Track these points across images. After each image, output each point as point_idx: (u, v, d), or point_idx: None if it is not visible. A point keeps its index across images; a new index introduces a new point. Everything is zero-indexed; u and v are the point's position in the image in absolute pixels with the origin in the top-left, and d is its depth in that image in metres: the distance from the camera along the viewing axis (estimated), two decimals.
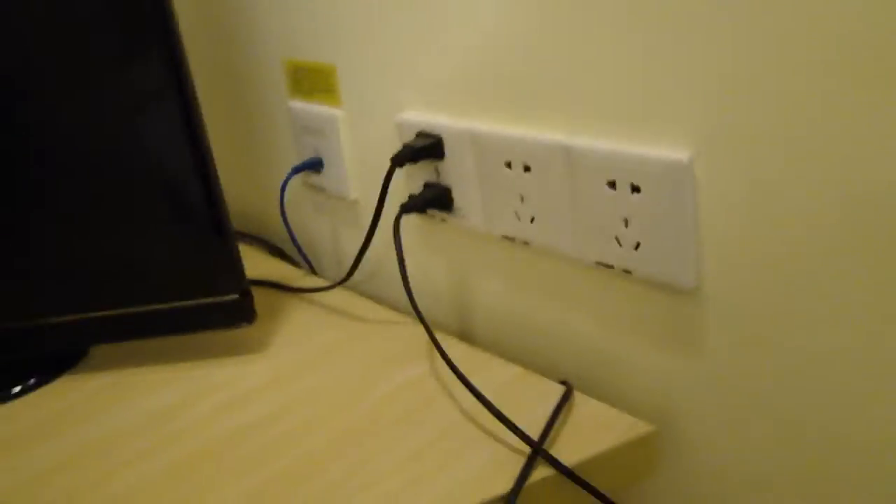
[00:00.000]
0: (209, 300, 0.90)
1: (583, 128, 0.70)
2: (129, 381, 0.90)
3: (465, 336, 0.94)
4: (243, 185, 1.26)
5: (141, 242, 0.87)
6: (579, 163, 0.71)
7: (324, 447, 0.72)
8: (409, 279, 0.99)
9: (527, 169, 0.77)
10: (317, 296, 1.03)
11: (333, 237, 1.09)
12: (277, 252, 1.20)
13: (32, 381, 0.93)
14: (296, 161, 1.07)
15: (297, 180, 1.08)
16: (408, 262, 0.97)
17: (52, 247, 0.88)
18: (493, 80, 0.77)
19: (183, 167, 0.84)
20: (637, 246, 0.68)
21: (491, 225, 0.84)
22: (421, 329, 0.91)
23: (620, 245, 0.70)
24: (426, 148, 0.84)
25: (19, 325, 0.91)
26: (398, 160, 0.83)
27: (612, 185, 0.68)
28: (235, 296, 0.90)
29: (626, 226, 0.68)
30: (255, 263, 1.15)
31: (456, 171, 0.84)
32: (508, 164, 0.78)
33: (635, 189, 0.66)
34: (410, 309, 0.98)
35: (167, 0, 0.80)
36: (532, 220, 0.79)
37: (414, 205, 0.85)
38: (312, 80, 0.99)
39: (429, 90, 0.84)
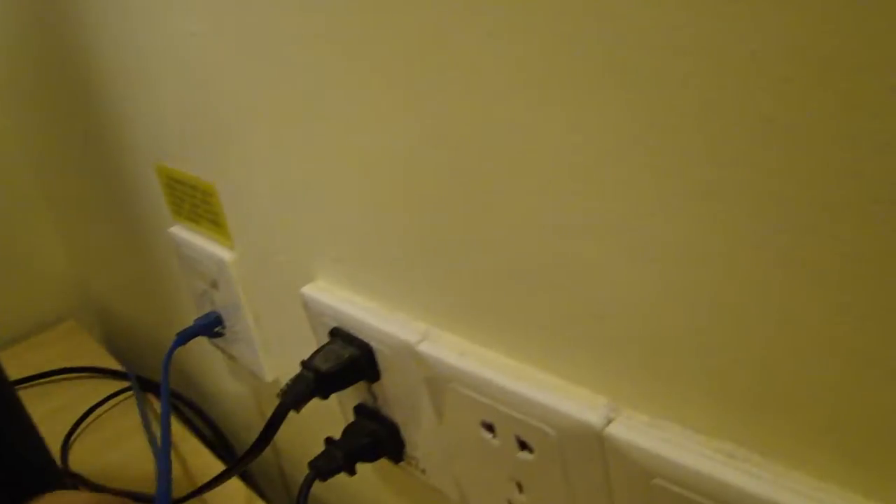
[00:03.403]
0: None
1: (642, 402, 0.33)
2: None
3: None
4: (153, 322, 0.89)
5: None
6: (626, 466, 0.33)
7: None
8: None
9: (525, 447, 0.38)
10: None
11: (259, 415, 0.72)
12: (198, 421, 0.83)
13: None
14: (196, 309, 0.69)
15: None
16: (355, 488, 0.59)
17: None
18: (477, 275, 0.39)
19: None
20: None
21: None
22: None
23: None
24: (344, 368, 0.45)
25: None
26: (291, 399, 0.45)
27: None
28: None
29: None
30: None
31: (402, 403, 0.46)
32: (489, 428, 0.40)
33: None
34: None
35: None
36: None
37: (330, 464, 0.47)
38: (192, 200, 0.61)
39: (352, 260, 0.46)
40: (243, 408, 0.76)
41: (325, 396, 0.46)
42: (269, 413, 0.70)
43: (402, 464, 0.50)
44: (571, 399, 0.36)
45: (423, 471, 0.49)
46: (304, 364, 0.46)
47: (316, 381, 0.45)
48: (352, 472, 0.48)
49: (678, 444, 0.33)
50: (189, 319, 0.75)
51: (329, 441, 0.49)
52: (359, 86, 0.39)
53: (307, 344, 0.56)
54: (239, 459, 0.49)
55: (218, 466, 0.73)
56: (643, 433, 0.34)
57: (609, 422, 0.35)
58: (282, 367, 0.63)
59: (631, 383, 0.35)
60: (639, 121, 0.28)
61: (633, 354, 0.34)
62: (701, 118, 0.26)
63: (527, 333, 0.38)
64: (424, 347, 0.42)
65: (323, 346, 0.47)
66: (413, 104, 0.37)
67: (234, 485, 0.70)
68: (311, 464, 0.47)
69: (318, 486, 0.56)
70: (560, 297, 0.35)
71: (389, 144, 0.40)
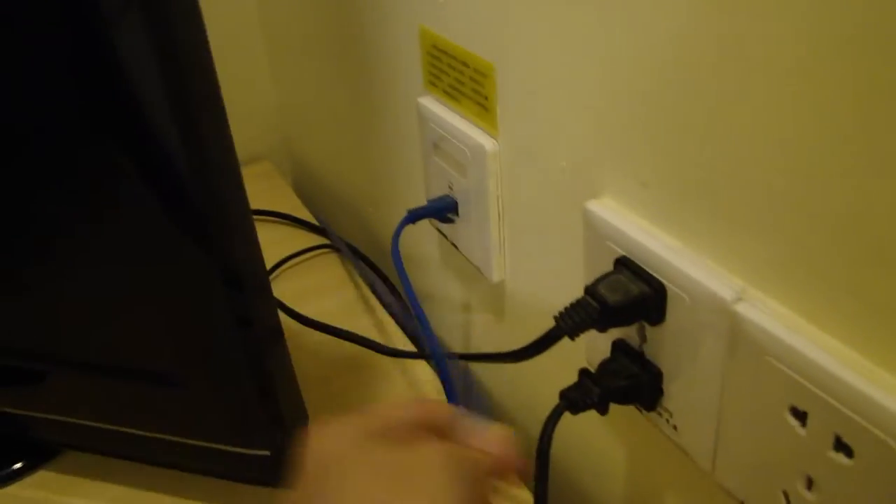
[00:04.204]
0: (228, 448, 0.54)
1: None
2: None
3: None
4: (361, 186, 0.87)
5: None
6: None
7: None
8: (569, 444, 0.59)
9: (843, 448, 0.34)
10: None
11: (464, 309, 0.69)
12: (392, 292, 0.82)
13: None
14: (425, 188, 0.66)
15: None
16: (573, 424, 0.57)
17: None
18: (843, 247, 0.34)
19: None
20: None
21: (723, 477, 0.42)
22: None
23: None
24: (631, 305, 0.41)
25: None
26: (570, 326, 0.41)
27: None
28: (266, 452, 0.54)
29: None
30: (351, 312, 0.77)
31: (678, 354, 0.42)
32: (801, 416, 0.35)
33: None
34: None
35: None
36: None
37: (585, 399, 0.44)
38: (457, 75, 0.57)
39: (663, 188, 0.41)
40: (449, 298, 0.73)
41: (603, 329, 0.42)
42: (477, 311, 0.68)
43: (651, 414, 0.46)
44: None
45: (675, 427, 0.45)
46: (589, 291, 0.42)
47: (601, 312, 0.41)
48: (604, 411, 0.44)
49: None
50: (404, 196, 0.72)
51: (585, 373, 0.45)
52: None
53: (561, 259, 0.52)
54: (487, 355, 0.46)
55: (403, 340, 0.71)
56: None
57: None
58: (511, 271, 0.60)
59: None
60: None
61: None
62: None
63: (882, 325, 0.33)
64: (744, 309, 0.37)
65: (607, 275, 0.43)
66: None
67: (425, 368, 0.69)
68: (564, 394, 0.44)
69: (534, 419, 0.53)
70: None
71: (745, 44, 0.34)
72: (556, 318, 0.42)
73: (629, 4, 0.39)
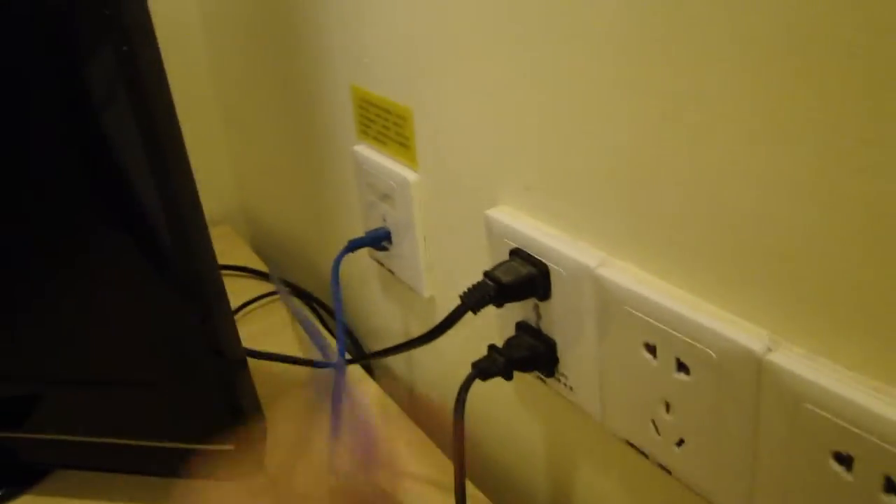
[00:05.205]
0: (194, 446, 0.62)
1: (799, 334, 0.39)
2: None
3: None
4: (309, 234, 0.98)
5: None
6: (779, 391, 0.38)
7: None
8: (492, 429, 0.68)
9: (683, 368, 0.44)
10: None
11: (405, 330, 0.79)
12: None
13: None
14: (363, 223, 0.76)
15: (365, 249, 0.77)
16: (493, 410, 0.66)
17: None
18: (661, 214, 0.44)
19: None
20: None
21: (611, 422, 0.52)
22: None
23: None
24: (521, 283, 0.51)
25: None
26: (472, 302, 0.51)
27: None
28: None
29: None
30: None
31: (565, 323, 0.52)
32: (651, 350, 0.45)
33: None
34: None
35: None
36: (680, 443, 0.46)
37: (492, 367, 0.53)
38: (383, 122, 0.68)
39: (541, 189, 0.52)
40: (390, 325, 0.83)
41: (499, 305, 0.52)
42: (414, 329, 0.77)
43: (550, 380, 0.56)
44: (737, 328, 0.41)
45: (571, 388, 0.54)
46: (487, 274, 0.52)
47: (496, 290, 0.51)
48: (509, 377, 0.54)
49: (830, 376, 0.38)
50: (346, 235, 0.82)
51: (492, 347, 0.55)
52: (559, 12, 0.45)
53: (473, 265, 0.62)
54: (406, 343, 0.55)
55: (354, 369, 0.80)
56: (800, 363, 0.39)
57: (769, 350, 0.40)
58: (439, 287, 0.70)
59: (790, 320, 0.39)
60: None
61: (793, 294, 0.38)
62: None
63: (699, 268, 0.43)
64: (603, 271, 0.48)
65: (503, 263, 0.53)
66: (611, 37, 0.42)
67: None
68: (475, 364, 0.54)
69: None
70: (734, 237, 0.40)
71: (587, 82, 0.45)
72: (461, 296, 0.51)
73: (510, 58, 0.51)
